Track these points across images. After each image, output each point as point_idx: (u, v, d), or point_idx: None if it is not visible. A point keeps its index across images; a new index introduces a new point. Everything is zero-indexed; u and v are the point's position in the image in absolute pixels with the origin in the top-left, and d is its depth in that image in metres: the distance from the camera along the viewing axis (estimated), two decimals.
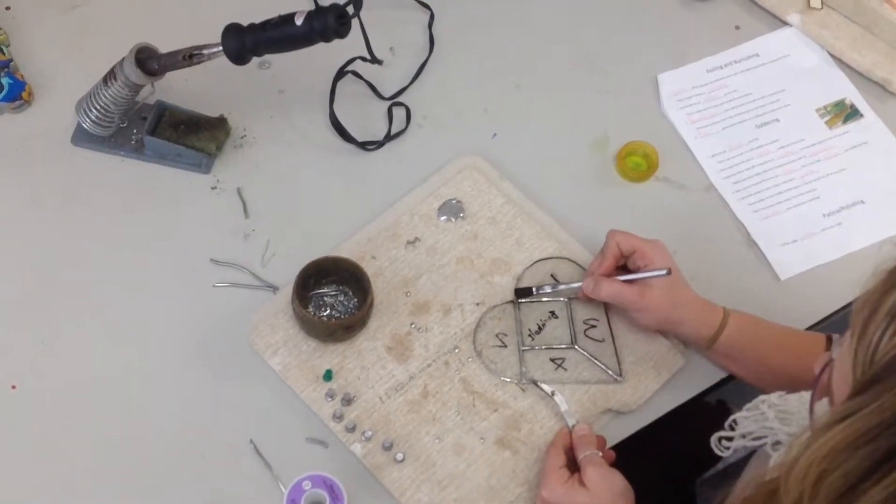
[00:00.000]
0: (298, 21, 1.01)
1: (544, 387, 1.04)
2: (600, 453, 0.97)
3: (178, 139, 1.16)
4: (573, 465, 0.97)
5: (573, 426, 1.01)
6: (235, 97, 1.22)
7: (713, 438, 0.99)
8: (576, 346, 1.07)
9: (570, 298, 1.10)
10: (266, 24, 1.03)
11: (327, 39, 1.03)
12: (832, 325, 1.13)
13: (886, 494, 0.59)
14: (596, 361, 1.07)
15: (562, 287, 1.09)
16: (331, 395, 1.03)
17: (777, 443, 0.93)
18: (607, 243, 1.06)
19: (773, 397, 0.96)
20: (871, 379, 0.63)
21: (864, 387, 0.63)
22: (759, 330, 1.04)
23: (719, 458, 1.04)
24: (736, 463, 1.03)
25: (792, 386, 0.94)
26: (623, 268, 1.08)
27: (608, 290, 1.04)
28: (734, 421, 0.97)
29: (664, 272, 1.02)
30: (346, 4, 1.04)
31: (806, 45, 1.32)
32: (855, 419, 0.62)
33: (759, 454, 0.98)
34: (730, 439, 0.97)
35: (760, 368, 1.04)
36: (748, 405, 0.98)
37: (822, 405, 0.73)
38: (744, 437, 0.96)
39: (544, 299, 1.10)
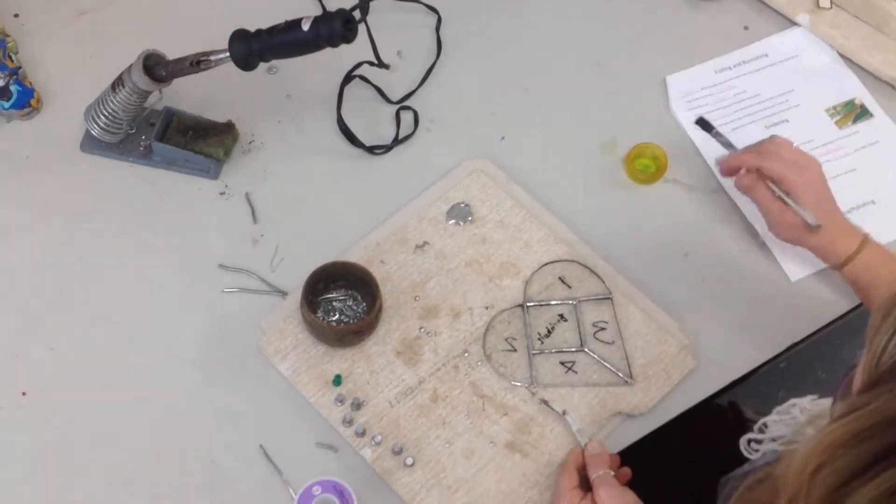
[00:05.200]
0: (305, 26, 1.01)
1: (555, 406, 1.03)
2: (612, 473, 0.96)
3: (187, 145, 1.16)
4: (586, 484, 0.96)
5: (585, 445, 1.00)
6: (243, 102, 1.22)
7: (742, 441, 0.98)
8: (585, 349, 1.07)
9: (579, 301, 1.10)
10: (273, 30, 1.03)
11: (334, 45, 1.03)
12: (843, 326, 1.13)
13: (874, 495, 0.59)
14: (606, 364, 1.06)
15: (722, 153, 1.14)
16: (340, 399, 1.03)
17: None
18: (756, 157, 1.08)
19: (805, 401, 0.96)
20: (874, 381, 0.64)
21: (866, 388, 0.65)
22: (887, 270, 1.03)
23: (734, 460, 1.04)
24: (764, 465, 1.02)
25: None
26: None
27: (759, 194, 1.07)
28: (764, 424, 0.97)
29: (814, 224, 1.04)
30: (353, 9, 1.04)
31: (815, 45, 1.32)
32: (853, 417, 0.63)
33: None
34: (759, 442, 0.97)
35: None
36: (778, 408, 0.98)
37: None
38: (774, 440, 0.96)
39: (553, 302, 1.10)
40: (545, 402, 1.04)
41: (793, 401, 0.95)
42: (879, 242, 1.05)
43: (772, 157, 1.08)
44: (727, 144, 1.17)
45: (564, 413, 1.03)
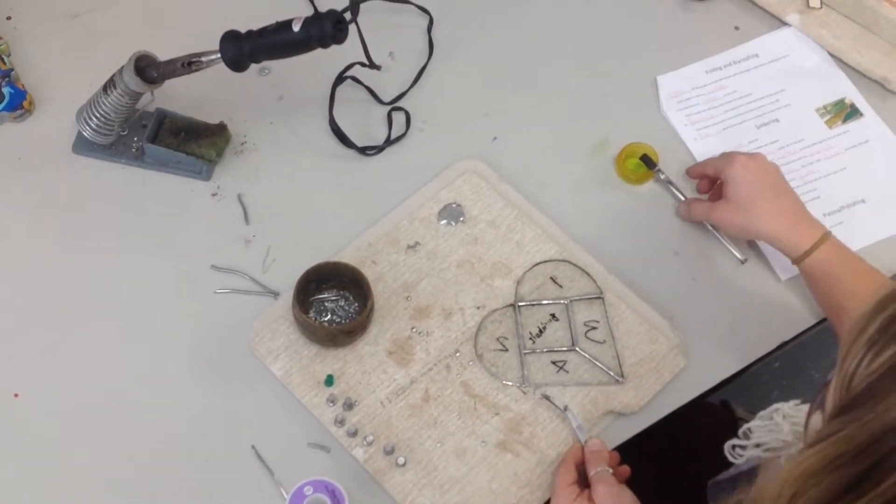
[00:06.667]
0: (296, 27, 1.02)
1: (556, 402, 1.04)
2: (611, 470, 0.96)
3: (179, 146, 1.16)
4: (584, 480, 0.97)
5: (586, 441, 1.00)
6: (235, 104, 1.23)
7: (727, 446, 0.99)
8: (577, 349, 1.07)
9: (570, 301, 1.10)
10: (264, 31, 1.03)
11: (325, 45, 1.03)
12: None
13: None
14: (597, 363, 1.07)
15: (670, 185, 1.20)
16: (332, 400, 1.03)
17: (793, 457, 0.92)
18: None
19: (788, 406, 0.96)
20: (845, 406, 0.63)
21: (838, 413, 0.63)
22: (841, 269, 1.03)
23: (725, 461, 1.05)
24: (750, 469, 1.02)
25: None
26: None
27: (694, 209, 1.14)
28: (749, 429, 0.97)
29: (741, 259, 1.15)
30: (344, 11, 1.04)
31: (805, 45, 1.32)
32: (825, 445, 0.62)
33: (774, 464, 0.97)
34: (743, 447, 0.97)
35: (830, 304, 1.04)
36: (762, 413, 0.98)
37: (814, 423, 0.72)
38: (758, 446, 0.96)
39: (544, 302, 1.10)
40: (547, 398, 1.04)
41: (776, 406, 0.95)
42: (840, 241, 1.05)
43: (717, 157, 1.13)
44: (667, 182, 1.19)
45: (566, 409, 1.03)
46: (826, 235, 1.04)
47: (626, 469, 0.99)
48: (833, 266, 1.03)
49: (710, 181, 1.16)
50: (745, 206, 1.07)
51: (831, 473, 0.61)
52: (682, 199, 1.17)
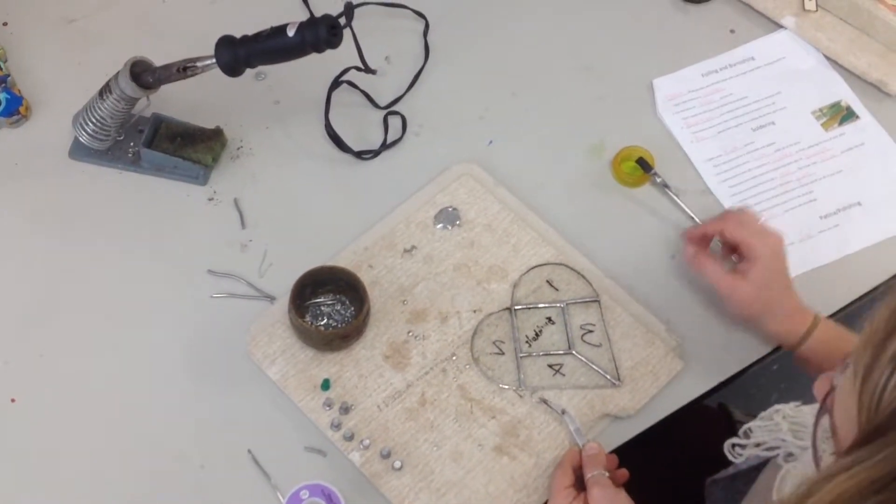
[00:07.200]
0: (291, 32, 1.02)
1: (554, 406, 1.04)
2: (607, 474, 0.96)
3: (175, 151, 1.17)
4: (581, 484, 0.97)
5: (583, 445, 1.00)
6: (231, 108, 1.23)
7: (727, 445, 0.99)
8: (573, 352, 1.07)
9: (566, 304, 1.10)
10: (258, 36, 1.04)
11: (319, 50, 1.03)
12: None
13: None
14: (594, 366, 1.07)
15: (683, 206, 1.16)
16: (329, 404, 1.03)
17: (790, 455, 0.92)
18: (719, 223, 1.07)
19: (788, 408, 0.96)
20: (877, 427, 0.61)
21: (870, 435, 0.62)
22: (841, 345, 1.01)
23: (726, 460, 1.05)
24: (748, 468, 1.02)
25: None
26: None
27: (707, 269, 1.05)
28: (749, 429, 0.97)
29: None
30: (339, 16, 1.04)
31: (801, 48, 1.32)
32: (861, 469, 0.61)
33: (771, 464, 0.97)
34: (743, 447, 0.97)
35: None
36: (763, 413, 0.98)
37: (823, 430, 0.71)
38: (757, 445, 0.96)
39: (541, 305, 1.10)
40: (544, 401, 1.04)
41: (776, 407, 0.95)
42: (828, 319, 1.04)
43: (734, 221, 1.06)
44: (664, 185, 1.18)
45: (564, 412, 1.03)
46: (818, 318, 1.03)
47: (624, 472, 0.99)
48: (830, 344, 1.02)
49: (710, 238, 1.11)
50: (763, 296, 1.03)
51: (871, 497, 0.59)
52: (678, 202, 1.17)
